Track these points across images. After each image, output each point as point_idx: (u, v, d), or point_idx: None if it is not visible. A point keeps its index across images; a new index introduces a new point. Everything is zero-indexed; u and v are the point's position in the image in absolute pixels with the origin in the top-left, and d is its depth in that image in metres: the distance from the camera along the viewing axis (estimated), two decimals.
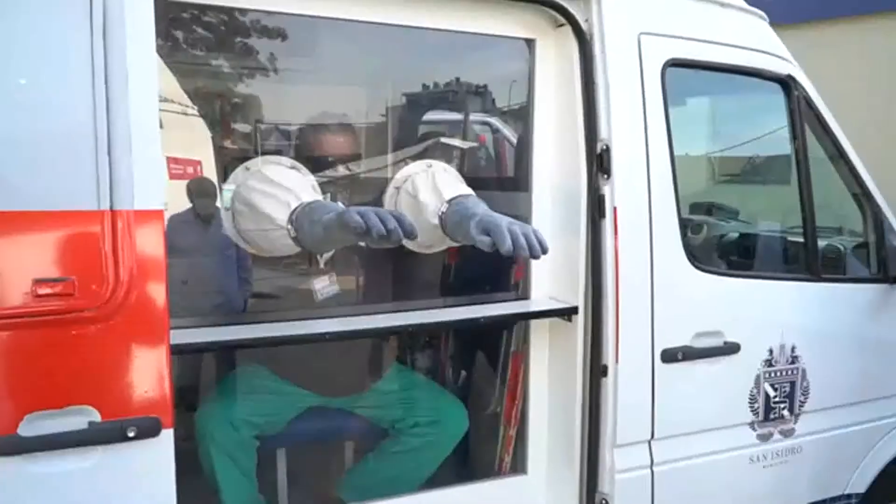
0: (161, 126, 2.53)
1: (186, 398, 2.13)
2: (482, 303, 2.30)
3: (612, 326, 2.15)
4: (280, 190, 1.78)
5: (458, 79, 2.99)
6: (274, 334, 1.82)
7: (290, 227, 1.74)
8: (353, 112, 2.77)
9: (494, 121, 3.35)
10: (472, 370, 2.71)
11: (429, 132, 3.04)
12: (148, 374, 1.47)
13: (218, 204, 2.15)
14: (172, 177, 2.58)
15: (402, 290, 2.53)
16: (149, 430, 1.45)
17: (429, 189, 1.99)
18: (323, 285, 2.25)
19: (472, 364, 2.71)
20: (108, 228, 1.41)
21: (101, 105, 1.43)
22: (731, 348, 2.33)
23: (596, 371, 2.19)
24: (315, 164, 2.19)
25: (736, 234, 2.56)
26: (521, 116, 2.41)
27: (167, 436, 1.48)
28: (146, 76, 1.51)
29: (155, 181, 1.51)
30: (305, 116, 2.57)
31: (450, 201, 1.90)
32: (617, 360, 2.15)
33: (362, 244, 1.63)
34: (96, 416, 1.40)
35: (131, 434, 1.42)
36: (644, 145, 2.17)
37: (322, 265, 2.21)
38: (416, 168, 2.13)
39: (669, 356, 2.22)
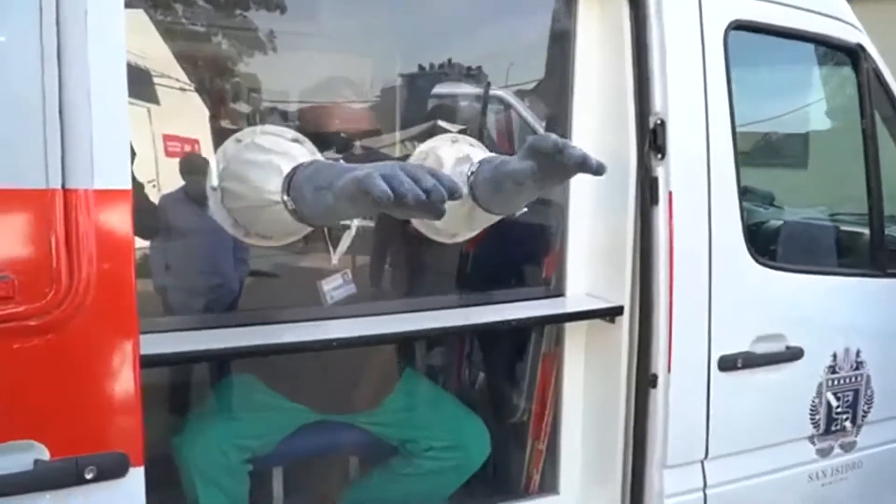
0: (158, 102, 2.27)
1: (162, 420, 1.82)
2: (510, 300, 1.99)
3: (665, 330, 1.85)
4: (273, 156, 1.44)
5: (478, 46, 2.66)
6: (270, 341, 1.52)
7: (286, 197, 1.35)
8: (362, 83, 2.45)
9: (507, 95, 3.02)
10: (493, 372, 2.41)
11: (438, 106, 2.72)
12: (111, 397, 1.16)
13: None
14: (169, 154, 2.32)
15: (415, 284, 2.23)
16: (113, 468, 1.14)
17: (454, 159, 1.68)
18: (334, 286, 1.93)
19: (492, 365, 2.41)
20: (60, 213, 1.09)
21: (50, 57, 1.11)
22: (793, 354, 2.04)
23: (643, 380, 1.89)
24: (321, 141, 1.87)
25: (796, 223, 2.27)
26: (555, 88, 2.09)
27: (136, 475, 1.17)
28: (110, 26, 1.19)
29: (120, 154, 1.19)
30: (310, 89, 2.26)
31: (480, 162, 1.58)
32: (669, 369, 1.86)
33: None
34: (44, 454, 1.09)
35: (90, 475, 1.11)
36: (704, 120, 1.86)
37: (335, 259, 1.88)
38: (438, 142, 1.82)
39: (728, 364, 1.93)
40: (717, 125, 1.87)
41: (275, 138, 1.60)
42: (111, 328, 1.15)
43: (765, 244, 1.99)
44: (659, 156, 1.82)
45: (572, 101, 1.95)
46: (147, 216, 2.01)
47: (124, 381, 1.17)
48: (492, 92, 2.91)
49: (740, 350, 1.95)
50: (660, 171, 1.83)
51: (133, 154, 2.00)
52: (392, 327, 1.73)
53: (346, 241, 1.75)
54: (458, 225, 1.74)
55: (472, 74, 2.86)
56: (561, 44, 1.98)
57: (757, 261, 1.96)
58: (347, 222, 1.75)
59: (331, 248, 1.74)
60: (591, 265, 1.99)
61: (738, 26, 1.91)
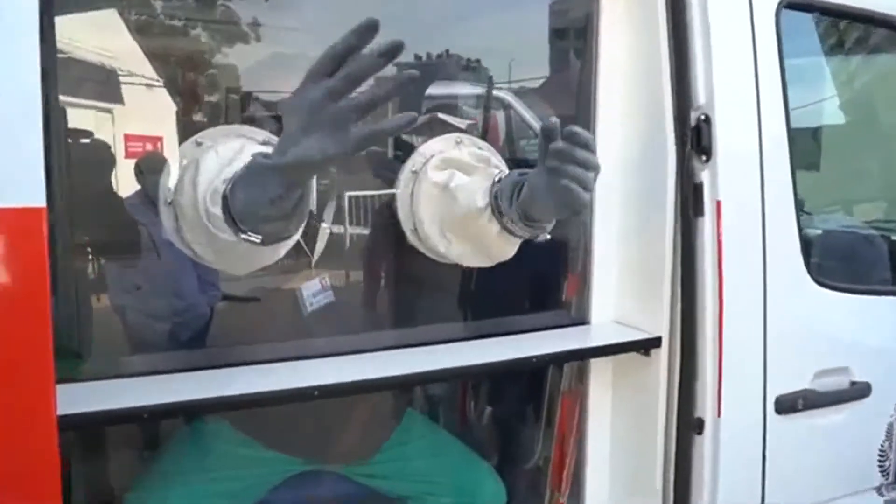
0: (122, 102, 1.94)
1: (108, 479, 1.50)
2: (525, 330, 1.69)
3: (713, 365, 1.55)
4: (237, 167, 1.13)
5: (480, 36, 2.35)
6: (236, 392, 1.21)
7: (239, 232, 0.99)
8: None
9: (507, 96, 2.72)
10: (505, 411, 2.09)
11: (434, 107, 2.43)
12: (19, 471, 0.86)
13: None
14: (129, 155, 2.06)
15: (413, 310, 1.92)
16: None
17: (465, 170, 1.39)
18: (312, 291, 1.64)
19: (504, 403, 2.10)
20: None
21: None
22: (859, 391, 1.74)
23: (686, 425, 1.59)
24: None
25: (858, 235, 1.97)
26: (572, 80, 1.80)
27: None
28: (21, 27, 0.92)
29: (31, 163, 0.91)
30: (289, 84, 1.95)
31: (500, 177, 1.27)
32: (719, 413, 1.55)
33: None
34: None
35: None
36: (756, 115, 1.57)
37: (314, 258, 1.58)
38: (440, 145, 1.52)
39: (786, 405, 1.62)
40: (769, 121, 1.58)
41: (240, 142, 1.30)
42: (16, 379, 0.85)
43: (823, 261, 1.70)
44: (704, 158, 1.53)
45: (595, 96, 1.66)
46: (100, 228, 1.73)
47: (36, 451, 0.87)
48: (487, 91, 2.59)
49: (800, 388, 1.64)
50: (705, 177, 1.53)
51: (113, 162, 1.69)
52: (387, 368, 1.42)
53: (323, 237, 1.51)
54: (465, 249, 1.44)
55: (472, 68, 2.56)
56: (579, 25, 1.70)
57: (816, 281, 1.66)
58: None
59: (307, 249, 1.44)
60: (620, 288, 1.70)
61: (790, 4, 1.62)
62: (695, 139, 1.53)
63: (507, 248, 1.37)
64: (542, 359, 1.55)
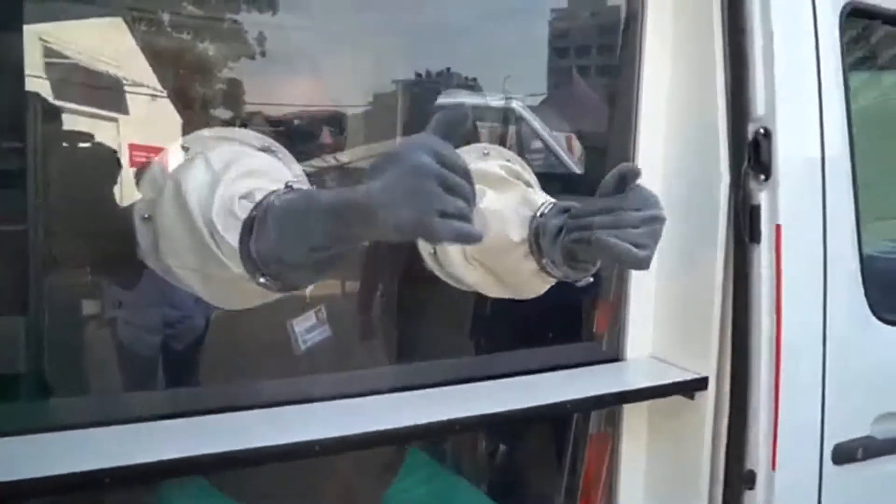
0: (127, 112, 1.80)
1: None
2: (549, 367, 1.49)
3: (768, 411, 1.37)
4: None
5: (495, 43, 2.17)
6: (218, 450, 0.99)
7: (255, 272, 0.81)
8: (360, 87, 1.95)
9: (518, 106, 2.53)
10: (524, 454, 1.89)
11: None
12: None
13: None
14: (133, 164, 1.93)
15: (420, 342, 1.71)
16: None
17: (495, 186, 1.20)
18: (307, 326, 1.43)
19: (522, 445, 1.90)
20: None
21: None
22: None
23: (735, 478, 1.41)
24: (302, 149, 1.36)
25: None
26: (612, 87, 1.62)
27: None
28: None
29: None
30: (297, 91, 1.76)
31: (544, 210, 1.08)
32: (774, 465, 1.37)
33: None
34: None
35: None
36: (818, 130, 1.40)
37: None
38: (464, 156, 1.32)
39: (844, 454, 1.45)
40: (832, 136, 1.41)
41: (233, 148, 1.09)
42: None
43: (885, 293, 1.53)
44: (762, 177, 1.35)
45: (638, 106, 1.48)
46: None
47: None
48: (496, 103, 2.41)
49: (859, 435, 1.47)
50: (763, 198, 1.36)
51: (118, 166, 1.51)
52: (396, 416, 1.21)
53: None
54: (487, 279, 1.24)
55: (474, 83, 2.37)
56: (620, 26, 1.52)
57: (877, 315, 1.49)
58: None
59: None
60: (659, 319, 1.52)
61: (854, 11, 1.46)
62: (752, 155, 1.36)
63: (539, 288, 1.19)
64: (574, 404, 1.35)
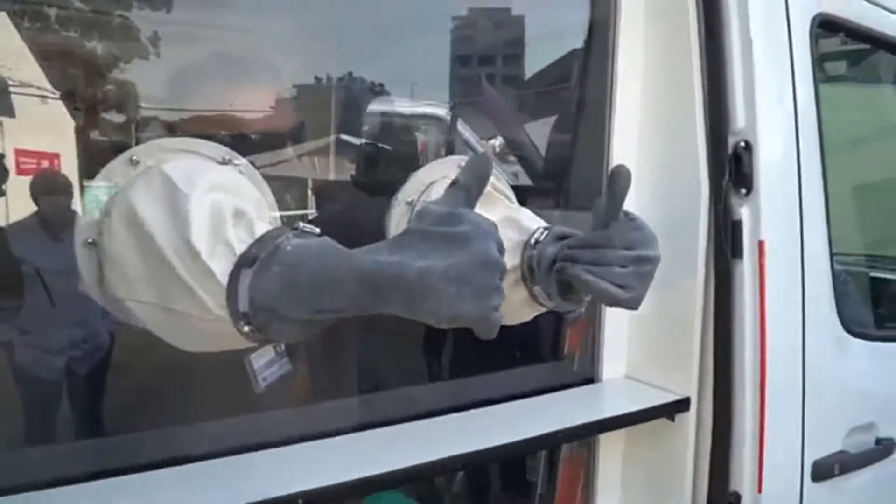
0: (13, 115, 1.64)
1: None
2: (518, 393, 1.39)
3: (752, 431, 1.33)
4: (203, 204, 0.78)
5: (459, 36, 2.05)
6: None
7: (239, 318, 0.68)
8: (286, 84, 1.81)
9: (446, 114, 2.43)
10: (492, 477, 1.80)
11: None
12: None
13: (74, 206, 1.26)
14: (21, 172, 1.72)
15: (379, 371, 1.59)
16: None
17: (500, 217, 1.10)
18: (264, 361, 1.28)
19: (490, 468, 1.81)
20: None
21: None
22: (885, 448, 1.58)
23: (720, 500, 1.36)
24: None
25: (882, 276, 1.83)
26: (583, 97, 1.55)
27: None
28: None
29: None
30: (197, 92, 1.61)
31: (538, 237, 0.99)
32: (760, 487, 1.33)
33: None
34: None
35: None
36: (795, 143, 1.37)
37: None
38: (442, 170, 1.21)
39: (822, 471, 1.43)
40: (807, 149, 1.39)
41: (192, 161, 0.95)
42: None
43: (850, 306, 1.53)
44: (744, 191, 1.32)
45: (612, 114, 1.42)
46: None
47: None
48: (422, 110, 2.29)
49: (833, 450, 1.46)
50: (744, 213, 1.32)
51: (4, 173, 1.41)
52: (360, 463, 1.08)
53: None
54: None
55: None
56: (593, 36, 1.46)
57: (847, 329, 1.49)
58: None
59: None
60: (636, 339, 1.46)
61: (824, 23, 1.45)
62: (734, 168, 1.32)
63: (527, 316, 1.10)
64: (548, 439, 1.25)
